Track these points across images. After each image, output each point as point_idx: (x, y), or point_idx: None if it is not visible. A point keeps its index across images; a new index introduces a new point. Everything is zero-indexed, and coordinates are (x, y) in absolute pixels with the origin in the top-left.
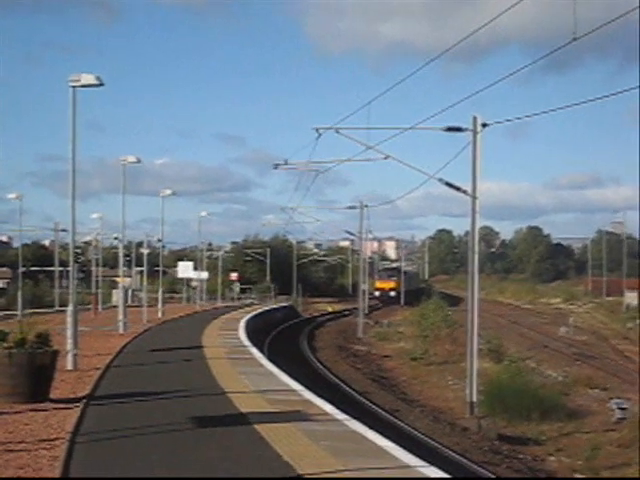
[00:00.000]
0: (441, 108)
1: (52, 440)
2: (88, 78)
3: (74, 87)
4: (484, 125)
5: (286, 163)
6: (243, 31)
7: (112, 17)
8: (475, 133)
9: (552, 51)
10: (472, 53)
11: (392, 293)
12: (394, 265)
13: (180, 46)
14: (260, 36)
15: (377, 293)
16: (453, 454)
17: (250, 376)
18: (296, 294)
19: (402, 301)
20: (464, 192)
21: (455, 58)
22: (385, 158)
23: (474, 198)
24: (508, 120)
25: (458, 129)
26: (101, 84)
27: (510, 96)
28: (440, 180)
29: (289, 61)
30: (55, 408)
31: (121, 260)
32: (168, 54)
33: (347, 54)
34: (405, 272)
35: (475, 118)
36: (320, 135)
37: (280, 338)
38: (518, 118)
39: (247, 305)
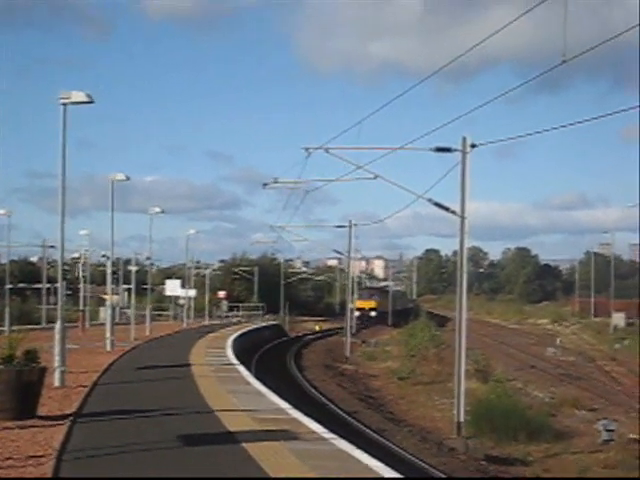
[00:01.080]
0: (431, 127)
1: (39, 457)
2: (79, 95)
3: (64, 104)
4: (473, 146)
5: (276, 182)
6: (233, 48)
7: (103, 33)
8: (464, 154)
9: (541, 73)
10: (462, 73)
11: (372, 313)
12: (377, 284)
13: (170, 63)
14: (250, 53)
15: (357, 313)
16: (440, 474)
17: (238, 394)
18: (283, 313)
19: (390, 321)
20: (453, 212)
21: (445, 77)
22: (374, 178)
23: (463, 218)
24: (500, 140)
25: (447, 149)
26: (91, 101)
27: (500, 116)
28: (429, 200)
29: (279, 79)
30: (42, 425)
31: (109, 277)
32: (158, 71)
33: (338, 72)
34: (393, 292)
35: (464, 139)
36: (310, 154)
37: (267, 357)
38: (511, 138)
39: (234, 323)
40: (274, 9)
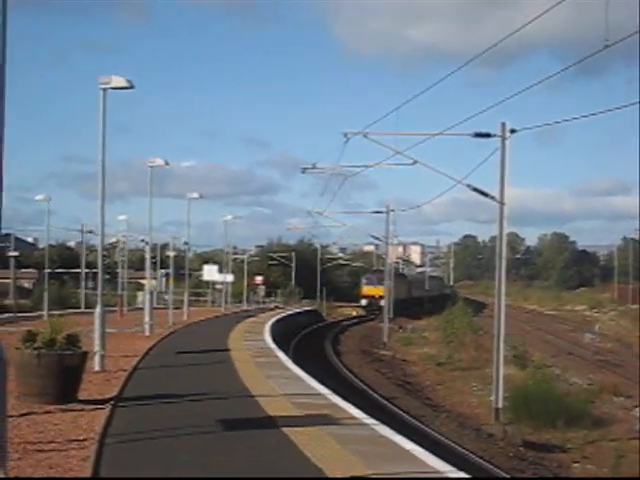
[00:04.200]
0: (468, 112)
1: (81, 441)
2: (118, 80)
3: (104, 89)
4: (512, 131)
5: (314, 167)
6: (271, 33)
7: (140, 17)
8: (504, 139)
9: (584, 58)
10: (500, 58)
11: (382, 302)
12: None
13: (207, 48)
14: (288, 38)
15: (363, 302)
16: (480, 460)
17: (277, 379)
18: (320, 298)
19: (390, 312)
20: (492, 198)
21: (483, 63)
22: (413, 163)
23: (502, 204)
24: (537, 126)
25: (487, 135)
26: (131, 87)
27: (538, 102)
28: (468, 186)
29: (317, 63)
30: (83, 409)
31: (148, 262)
32: (195, 56)
33: (376, 57)
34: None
35: (504, 124)
36: (348, 140)
37: (305, 342)
38: (547, 124)
39: (271, 309)
40: None
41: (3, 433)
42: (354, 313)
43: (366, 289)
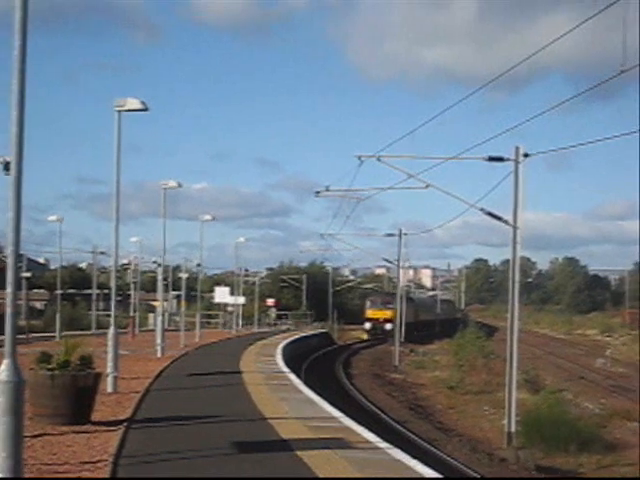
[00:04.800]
0: (480, 135)
1: (95, 462)
2: (133, 103)
3: (119, 111)
4: (526, 155)
5: (328, 190)
6: (285, 55)
7: (152, 38)
8: (517, 163)
9: (599, 83)
10: (514, 82)
11: (388, 326)
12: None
13: (219, 69)
14: (301, 59)
15: (367, 325)
16: None
17: (289, 402)
18: (332, 321)
19: (401, 335)
20: (505, 222)
21: (496, 87)
22: (426, 187)
23: (515, 228)
24: (552, 150)
25: (500, 159)
26: (146, 109)
27: (551, 125)
28: (482, 210)
29: (330, 85)
30: (96, 430)
31: (160, 284)
32: (207, 76)
33: (390, 79)
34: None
35: (517, 148)
36: (362, 163)
37: (316, 365)
38: (563, 148)
39: (283, 331)
40: (326, 15)
41: (20, 452)
42: (364, 337)
43: (370, 312)
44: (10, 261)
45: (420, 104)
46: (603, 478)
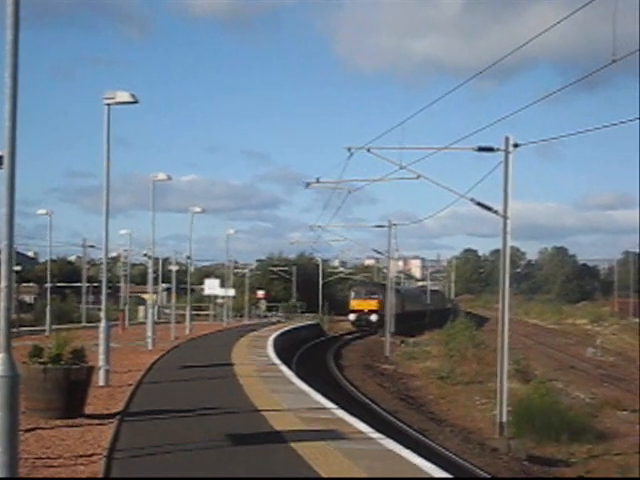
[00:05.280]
0: (469, 126)
1: (89, 456)
2: (123, 96)
3: (109, 104)
4: (516, 145)
5: (318, 181)
6: (273, 47)
7: (141, 32)
8: (507, 153)
9: (591, 73)
10: (502, 72)
11: (373, 317)
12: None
13: (208, 62)
14: (290, 52)
15: (352, 316)
16: (486, 475)
17: (282, 394)
18: (322, 312)
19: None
20: (495, 212)
21: (485, 77)
22: (417, 178)
23: (505, 218)
24: (542, 140)
25: (490, 149)
26: (136, 101)
27: (540, 115)
28: (472, 200)
29: (319, 77)
30: (89, 424)
31: (150, 277)
32: (196, 70)
33: (378, 71)
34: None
35: (507, 138)
36: (352, 154)
37: (307, 356)
38: (553, 138)
39: (273, 323)
40: (314, 7)
41: (16, 447)
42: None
43: (354, 303)
44: (4, 255)
45: (409, 95)
46: (604, 478)
